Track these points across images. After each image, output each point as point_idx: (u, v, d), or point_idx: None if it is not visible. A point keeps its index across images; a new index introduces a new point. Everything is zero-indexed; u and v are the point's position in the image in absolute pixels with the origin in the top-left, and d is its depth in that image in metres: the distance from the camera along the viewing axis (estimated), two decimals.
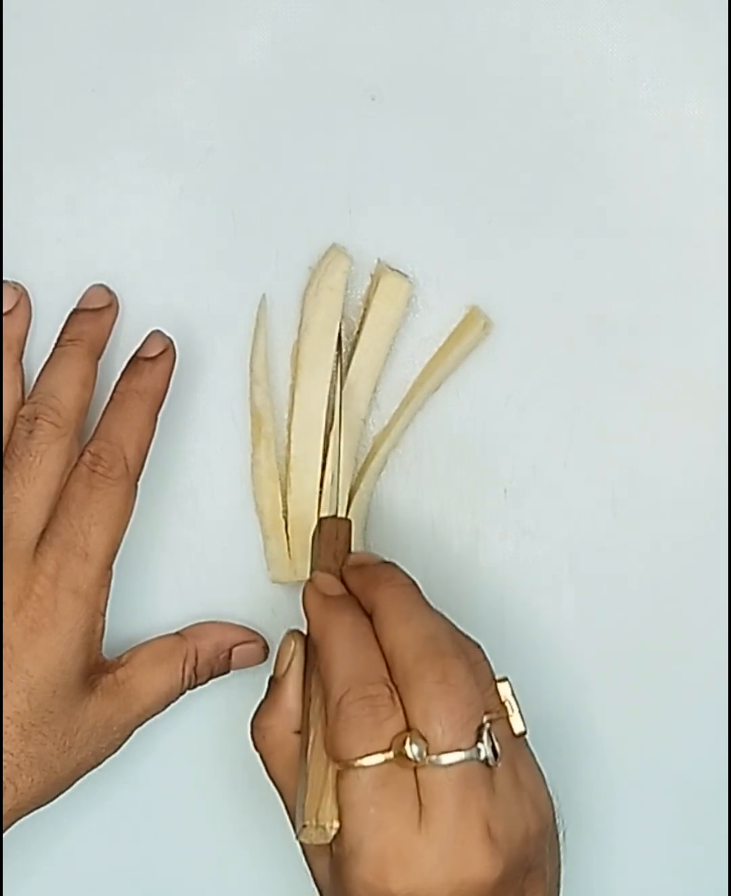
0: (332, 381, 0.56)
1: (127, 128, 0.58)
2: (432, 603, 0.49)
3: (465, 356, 0.57)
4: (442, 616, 0.49)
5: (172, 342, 0.55)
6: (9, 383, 0.55)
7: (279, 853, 0.55)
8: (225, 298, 0.57)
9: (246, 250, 0.58)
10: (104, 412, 0.54)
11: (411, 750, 0.45)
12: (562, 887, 0.49)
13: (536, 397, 0.58)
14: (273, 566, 0.57)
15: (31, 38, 0.58)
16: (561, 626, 0.58)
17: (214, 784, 0.58)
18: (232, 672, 0.56)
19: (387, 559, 0.51)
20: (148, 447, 0.53)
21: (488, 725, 0.46)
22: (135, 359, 0.54)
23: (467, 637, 0.49)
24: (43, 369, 0.55)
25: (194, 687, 0.55)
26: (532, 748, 0.49)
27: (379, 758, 0.45)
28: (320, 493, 0.56)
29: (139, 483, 0.53)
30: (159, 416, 0.54)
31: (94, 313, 0.56)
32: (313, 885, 0.49)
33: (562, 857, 0.49)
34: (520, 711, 0.48)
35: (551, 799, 0.48)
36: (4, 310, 0.56)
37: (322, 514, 0.55)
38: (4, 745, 0.50)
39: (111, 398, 0.54)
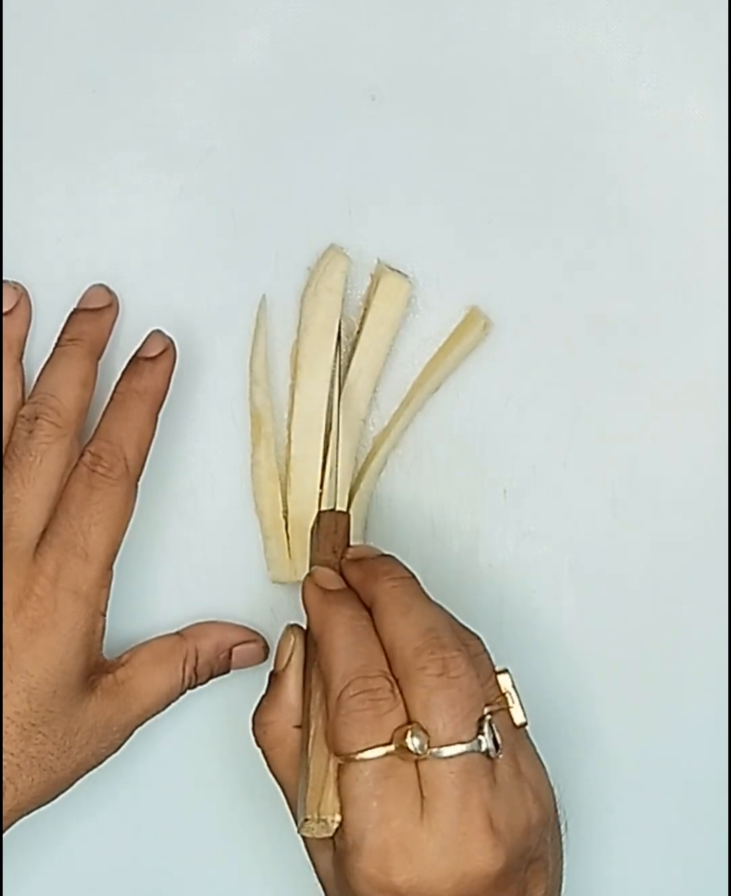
0: (331, 382, 0.56)
1: (127, 128, 0.58)
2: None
3: (465, 356, 0.57)
4: (442, 608, 0.49)
5: (172, 342, 0.55)
6: (9, 383, 0.55)
7: (281, 851, 0.55)
8: (225, 298, 0.57)
9: (246, 250, 0.58)
10: (104, 412, 0.54)
11: (413, 743, 0.45)
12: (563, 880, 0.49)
13: (536, 397, 0.58)
14: (273, 566, 0.57)
15: (31, 38, 0.58)
16: (561, 626, 0.58)
17: (214, 783, 0.58)
18: (232, 672, 0.56)
19: (386, 552, 0.51)
20: (148, 447, 0.53)
21: (488, 717, 0.46)
22: (135, 359, 0.54)
23: (467, 629, 0.49)
24: (43, 369, 0.55)
25: (194, 687, 0.55)
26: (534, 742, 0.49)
27: (380, 751, 0.45)
28: (320, 493, 0.56)
29: (139, 483, 0.53)
30: (159, 416, 0.54)
31: (94, 313, 0.56)
32: (316, 880, 0.49)
33: (564, 848, 0.49)
34: (520, 703, 0.48)
35: (552, 790, 0.48)
36: (4, 310, 0.56)
37: None
38: (4, 746, 0.50)
39: (111, 398, 0.54)
